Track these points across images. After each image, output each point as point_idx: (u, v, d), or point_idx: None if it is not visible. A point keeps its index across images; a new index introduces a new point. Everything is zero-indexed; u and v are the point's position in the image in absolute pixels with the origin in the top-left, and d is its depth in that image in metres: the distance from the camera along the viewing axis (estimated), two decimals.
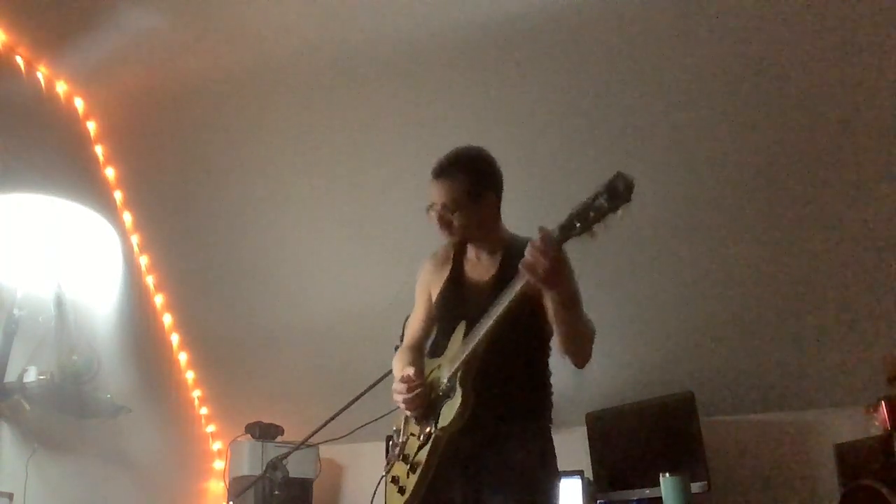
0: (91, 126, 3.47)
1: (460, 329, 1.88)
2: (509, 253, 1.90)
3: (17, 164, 2.82)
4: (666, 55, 2.73)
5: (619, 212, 1.43)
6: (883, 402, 2.71)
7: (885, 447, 2.66)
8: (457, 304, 1.98)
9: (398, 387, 1.93)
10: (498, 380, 1.84)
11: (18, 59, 3.09)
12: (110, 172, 3.57)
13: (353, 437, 2.58)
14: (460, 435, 1.81)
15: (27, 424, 2.83)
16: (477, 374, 1.81)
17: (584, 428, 3.40)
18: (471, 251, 2.04)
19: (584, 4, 2.65)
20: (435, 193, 1.96)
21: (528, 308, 1.73)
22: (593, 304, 3.47)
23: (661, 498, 2.83)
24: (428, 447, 1.84)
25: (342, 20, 2.87)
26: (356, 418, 2.52)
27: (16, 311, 2.64)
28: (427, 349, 2.11)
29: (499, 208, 2.01)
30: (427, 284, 2.11)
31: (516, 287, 1.67)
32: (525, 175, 3.07)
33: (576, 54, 2.82)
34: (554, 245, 1.53)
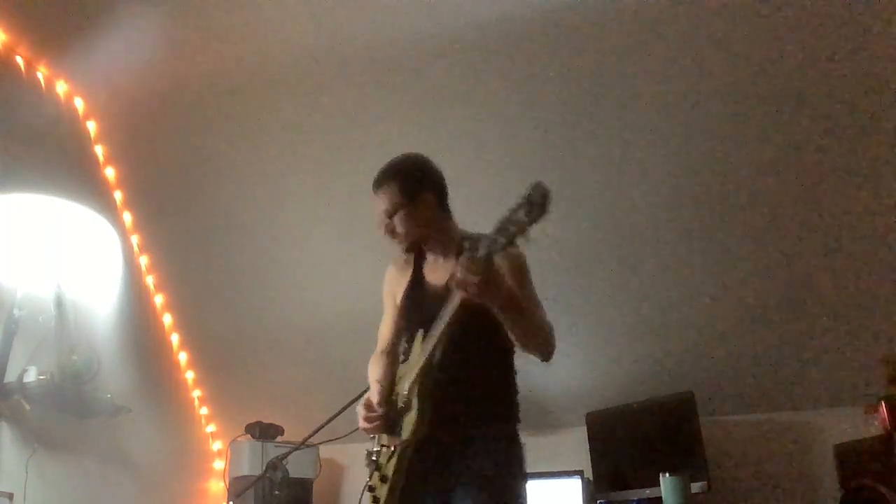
0: (91, 126, 3.47)
1: (418, 337, 1.94)
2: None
3: (17, 164, 2.82)
4: (666, 55, 2.73)
5: (538, 223, 1.46)
6: (883, 402, 2.71)
7: (885, 447, 2.65)
8: (417, 309, 2.04)
9: (360, 410, 2.00)
10: (459, 386, 1.89)
11: (18, 59, 3.08)
12: (110, 172, 3.57)
13: (353, 437, 2.57)
14: (427, 444, 1.86)
15: (27, 424, 2.83)
16: (437, 382, 1.86)
17: (584, 428, 3.40)
18: (429, 255, 2.09)
19: (585, 5, 2.65)
20: (377, 206, 2.05)
21: (480, 314, 1.76)
22: (593, 304, 3.48)
23: (661, 498, 2.83)
24: (395, 458, 1.90)
25: (342, 20, 2.87)
26: (356, 418, 2.51)
27: (16, 311, 2.64)
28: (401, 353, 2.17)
29: (443, 208, 2.05)
30: (392, 290, 2.18)
31: (455, 301, 1.73)
32: (525, 175, 3.07)
33: (576, 54, 2.82)
34: (480, 263, 1.60)
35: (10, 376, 2.69)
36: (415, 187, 2.01)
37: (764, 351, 3.18)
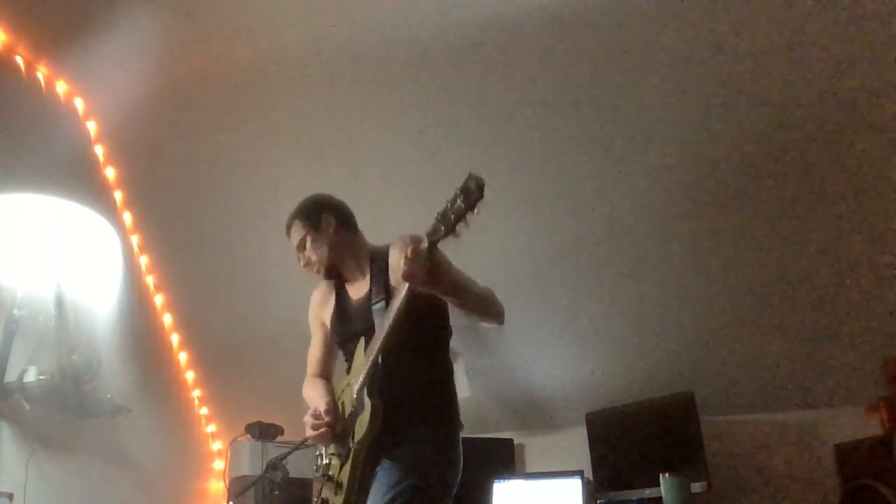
0: (91, 126, 3.47)
1: (360, 345, 2.03)
2: (375, 265, 2.14)
3: (17, 164, 2.82)
4: (664, 56, 2.73)
5: (476, 210, 1.55)
6: (883, 402, 2.72)
7: (885, 447, 2.66)
8: (347, 325, 2.15)
9: (307, 420, 2.05)
10: (398, 386, 1.95)
11: (18, 59, 3.09)
12: (110, 172, 3.57)
13: None
14: (379, 440, 1.90)
15: (27, 424, 2.83)
16: (384, 382, 1.94)
17: (584, 428, 3.40)
18: (347, 275, 2.24)
19: (585, 5, 2.65)
20: (293, 247, 2.27)
21: (416, 312, 1.86)
22: (594, 305, 3.48)
23: (661, 498, 2.83)
24: (349, 463, 1.94)
25: (342, 20, 2.87)
26: None
27: (16, 311, 2.64)
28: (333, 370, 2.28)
29: (346, 227, 2.26)
30: (318, 314, 2.31)
31: (402, 292, 1.81)
32: (525, 175, 3.07)
33: (576, 55, 2.82)
34: (424, 252, 1.68)
35: (10, 376, 2.69)
36: (314, 214, 2.24)
37: (764, 351, 3.18)
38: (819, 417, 3.18)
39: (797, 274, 3.01)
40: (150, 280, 3.78)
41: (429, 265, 1.69)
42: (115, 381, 3.08)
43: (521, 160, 3.06)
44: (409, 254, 1.70)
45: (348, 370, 2.11)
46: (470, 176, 1.56)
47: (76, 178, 3.25)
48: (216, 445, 4.10)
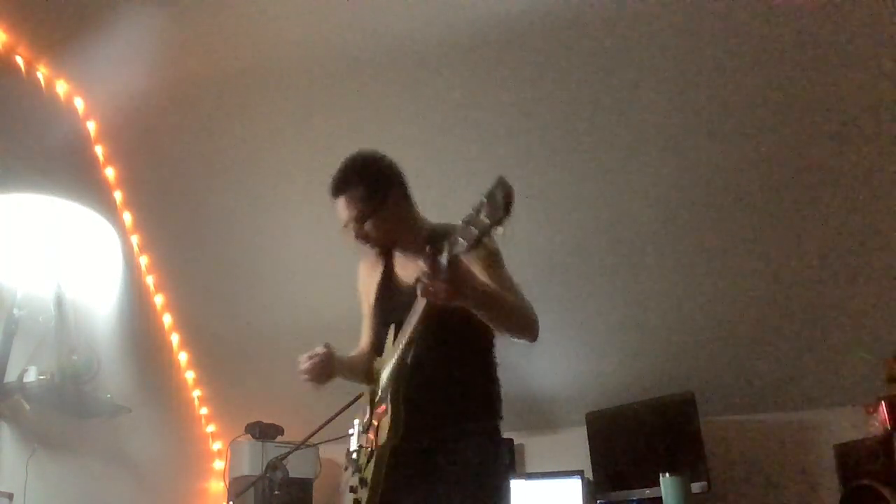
0: (91, 126, 3.47)
1: (390, 335, 1.90)
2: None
3: (17, 164, 2.82)
4: (665, 58, 2.73)
5: (502, 227, 1.33)
6: (883, 402, 2.71)
7: (885, 447, 2.66)
8: (388, 308, 1.99)
9: (301, 357, 1.97)
10: (435, 386, 1.84)
11: (18, 59, 3.08)
12: (110, 172, 3.57)
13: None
14: (405, 447, 1.80)
15: (27, 424, 2.83)
16: (411, 384, 1.81)
17: (584, 428, 3.40)
18: (400, 253, 2.03)
19: (586, 6, 2.65)
20: (341, 212, 1.96)
21: (454, 311, 1.68)
22: (594, 305, 3.48)
23: (661, 498, 2.83)
24: (374, 461, 1.83)
25: (342, 20, 2.87)
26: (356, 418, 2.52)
27: (16, 311, 2.63)
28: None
29: (409, 203, 1.99)
30: (363, 287, 2.14)
31: (420, 306, 1.67)
32: (525, 175, 3.07)
33: (575, 56, 2.82)
34: (443, 268, 1.52)
35: (10, 376, 2.68)
36: (381, 190, 1.94)
37: (764, 351, 3.18)
38: (819, 417, 3.18)
39: (797, 274, 3.01)
40: (150, 280, 3.78)
41: (449, 280, 1.53)
42: (115, 381, 3.08)
43: (522, 161, 3.06)
44: (426, 269, 1.54)
45: (381, 353, 1.99)
46: (498, 183, 1.33)
47: (76, 178, 3.25)
48: (216, 445, 4.10)
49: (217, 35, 3.01)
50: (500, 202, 1.32)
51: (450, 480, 1.82)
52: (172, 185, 3.54)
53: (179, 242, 3.70)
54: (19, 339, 2.67)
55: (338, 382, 2.92)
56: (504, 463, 1.91)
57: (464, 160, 3.08)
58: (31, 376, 2.73)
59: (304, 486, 3.62)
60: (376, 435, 1.83)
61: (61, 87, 3.32)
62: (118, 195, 3.60)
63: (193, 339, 3.93)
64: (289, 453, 2.64)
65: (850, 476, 2.82)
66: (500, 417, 1.95)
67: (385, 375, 1.86)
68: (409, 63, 2.94)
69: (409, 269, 1.97)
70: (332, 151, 3.28)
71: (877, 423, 2.76)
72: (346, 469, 2.01)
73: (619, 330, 3.30)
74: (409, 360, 1.80)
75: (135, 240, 3.69)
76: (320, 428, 2.57)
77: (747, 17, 2.57)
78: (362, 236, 1.95)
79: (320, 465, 3.67)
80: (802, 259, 2.97)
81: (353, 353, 2.13)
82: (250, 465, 3.50)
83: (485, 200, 1.35)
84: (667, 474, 2.82)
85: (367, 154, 2.02)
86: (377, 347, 2.07)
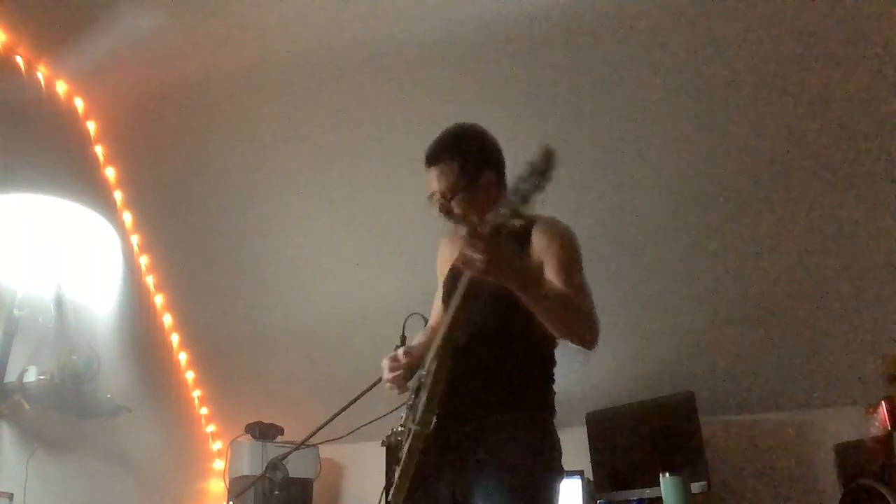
0: (91, 126, 3.47)
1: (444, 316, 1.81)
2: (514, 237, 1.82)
3: (17, 164, 2.82)
4: (667, 55, 2.73)
5: (542, 189, 1.35)
6: (883, 402, 2.71)
7: (885, 447, 2.66)
8: (452, 288, 1.84)
9: (383, 363, 1.90)
10: (485, 368, 1.75)
11: (18, 59, 3.09)
12: (110, 172, 3.57)
13: (353, 437, 2.58)
14: (446, 427, 1.70)
15: (27, 424, 2.83)
16: (460, 363, 1.70)
17: (584, 428, 3.40)
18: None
19: (586, 5, 2.65)
20: (431, 181, 1.87)
21: (504, 297, 1.60)
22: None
23: (661, 498, 2.83)
24: (408, 443, 1.74)
25: (342, 20, 2.87)
26: (356, 418, 2.52)
27: (16, 311, 2.63)
28: None
29: (501, 186, 1.88)
30: (441, 266, 2.06)
31: (464, 282, 1.60)
32: None
33: (577, 55, 2.82)
34: (484, 238, 1.46)
35: (10, 376, 2.68)
36: (477, 168, 1.85)
37: (764, 351, 3.18)
38: (819, 417, 3.18)
39: (797, 274, 3.01)
40: (150, 280, 3.78)
41: (486, 250, 1.47)
42: (115, 381, 3.08)
43: (521, 160, 3.06)
44: (467, 238, 1.49)
45: None
46: (540, 150, 1.36)
47: (76, 178, 3.25)
48: (216, 445, 4.10)
49: (217, 35, 3.00)
50: (539, 167, 1.33)
51: (490, 470, 1.72)
52: (172, 185, 3.55)
53: (179, 242, 3.70)
54: (19, 339, 2.67)
55: (337, 383, 2.93)
56: (554, 457, 1.79)
57: None
58: (31, 376, 2.73)
59: (304, 486, 3.63)
60: (414, 417, 1.75)
61: (61, 87, 3.32)
62: (118, 195, 3.60)
63: (193, 339, 3.93)
64: (289, 453, 2.64)
65: (850, 476, 2.82)
66: (554, 413, 1.86)
67: (426, 362, 1.80)
68: (409, 63, 2.94)
69: None
70: (333, 151, 3.31)
71: (877, 423, 2.76)
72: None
73: (620, 330, 3.30)
74: (451, 342, 1.70)
75: (135, 240, 3.69)
76: (320, 428, 2.57)
77: (751, 12, 2.56)
78: (445, 210, 1.86)
79: (320, 465, 3.67)
80: (803, 259, 2.97)
81: (424, 334, 2.07)
82: (250, 465, 3.51)
83: (527, 168, 1.35)
84: (667, 474, 2.81)
85: (470, 128, 1.93)
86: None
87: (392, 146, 3.21)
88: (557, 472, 1.78)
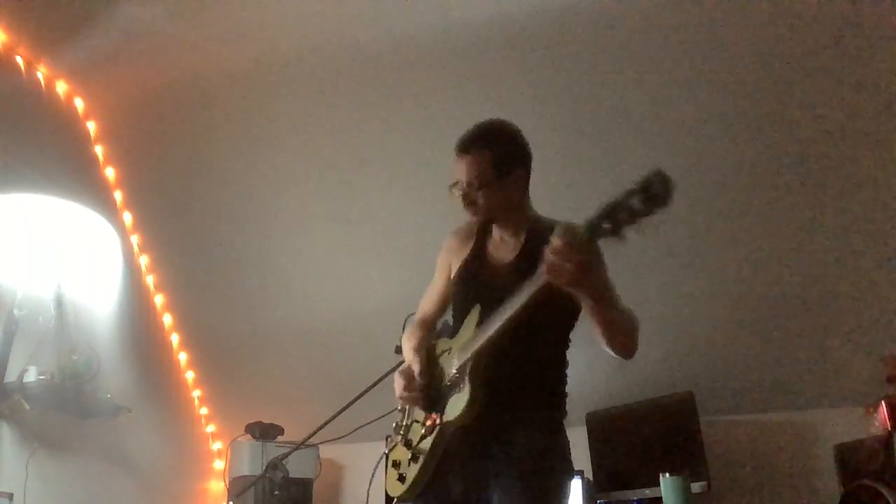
0: (91, 126, 3.48)
1: (474, 314, 1.79)
2: (533, 236, 1.83)
3: (17, 164, 2.82)
4: (667, 56, 2.73)
5: (654, 215, 1.30)
6: (883, 402, 2.71)
7: (885, 447, 2.66)
8: (474, 285, 1.88)
9: (399, 380, 1.86)
10: (508, 368, 1.74)
11: (18, 59, 3.09)
12: (110, 172, 3.58)
13: (353, 437, 2.58)
14: (471, 427, 1.71)
15: (27, 424, 2.84)
16: (497, 364, 1.72)
17: (584, 428, 3.40)
18: (495, 230, 1.93)
19: (586, 5, 2.65)
20: (459, 170, 1.85)
21: (549, 299, 1.60)
22: None
23: (661, 498, 2.83)
24: (432, 438, 1.75)
25: (342, 20, 2.87)
26: (356, 418, 2.52)
27: (16, 311, 2.64)
28: (439, 327, 2.05)
29: (527, 185, 1.90)
30: (448, 261, 2.02)
31: (538, 284, 1.56)
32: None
33: (576, 55, 2.82)
34: (579, 247, 1.43)
35: (10, 376, 2.69)
36: (508, 163, 1.85)
37: (764, 351, 3.18)
38: (819, 417, 3.18)
39: (797, 274, 3.01)
40: (150, 280, 3.78)
41: (581, 261, 1.44)
42: (115, 381, 3.09)
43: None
44: (559, 243, 1.44)
45: (454, 333, 1.88)
46: (656, 173, 1.30)
47: (76, 178, 3.25)
48: (216, 445, 4.10)
49: (217, 35, 3.01)
50: (658, 191, 1.29)
51: (508, 468, 1.73)
52: (172, 185, 3.55)
53: (179, 242, 3.71)
54: (19, 339, 2.67)
55: (337, 382, 2.93)
56: (566, 457, 1.83)
57: None
58: (31, 376, 2.73)
59: (304, 486, 3.63)
60: (442, 412, 1.74)
61: (61, 87, 3.32)
62: (118, 195, 3.60)
63: (193, 339, 3.93)
64: (289, 453, 2.64)
65: (850, 476, 2.82)
66: (566, 415, 1.90)
67: (462, 352, 1.75)
68: (409, 63, 2.94)
69: (502, 249, 1.90)
70: (333, 150, 3.31)
71: (877, 423, 2.76)
72: (391, 444, 1.93)
73: None
74: (499, 343, 1.69)
75: (135, 240, 3.70)
76: (320, 428, 2.57)
77: (750, 12, 2.57)
78: (470, 201, 1.84)
79: (320, 465, 3.67)
80: (802, 259, 2.97)
81: (418, 329, 2.03)
82: (250, 465, 3.51)
83: (637, 188, 1.31)
84: (667, 474, 2.81)
85: (506, 124, 1.93)
86: (436, 319, 2.03)
87: (392, 146, 3.21)
88: (571, 472, 1.82)
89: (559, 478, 1.78)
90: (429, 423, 1.78)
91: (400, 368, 1.87)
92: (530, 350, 1.78)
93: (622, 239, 1.37)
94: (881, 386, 2.80)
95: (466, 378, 1.71)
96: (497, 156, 1.84)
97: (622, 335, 1.70)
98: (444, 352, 1.87)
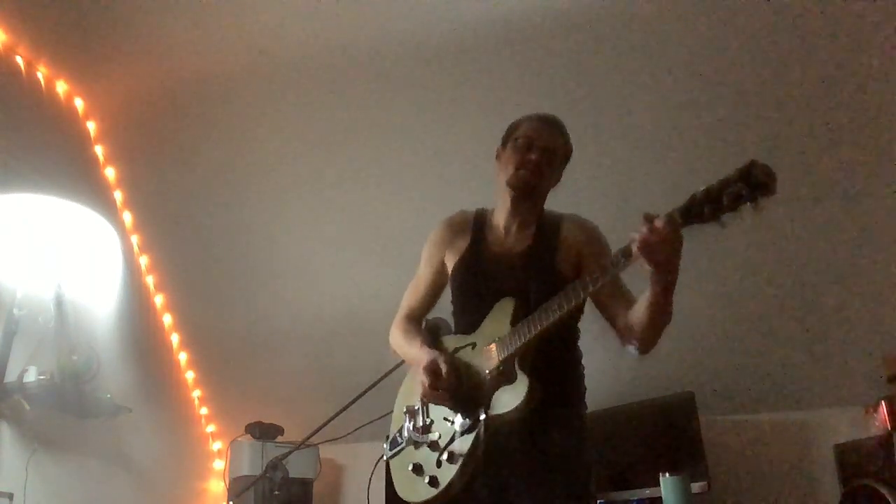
0: (91, 126, 3.47)
1: (506, 306, 1.76)
2: (543, 227, 1.86)
3: (17, 164, 2.82)
4: (667, 54, 2.73)
5: (757, 204, 1.29)
6: (883, 402, 2.72)
7: (885, 447, 2.66)
8: (482, 277, 1.84)
9: (424, 375, 1.75)
10: (538, 364, 1.70)
11: (18, 59, 3.09)
12: (110, 172, 3.58)
13: (353, 437, 2.59)
14: (526, 416, 1.66)
15: (27, 424, 2.83)
16: (545, 357, 1.71)
17: None
18: (498, 219, 1.91)
19: (586, 4, 2.65)
20: (539, 135, 1.90)
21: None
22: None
23: (660, 498, 2.83)
24: (473, 435, 1.67)
25: (342, 21, 2.87)
26: (356, 418, 2.52)
27: (16, 311, 2.63)
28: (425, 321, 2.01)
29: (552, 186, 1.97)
30: (439, 253, 1.96)
31: (609, 273, 1.59)
32: None
33: (577, 55, 2.82)
34: (678, 228, 1.45)
35: (10, 376, 2.68)
36: (567, 159, 1.97)
37: (764, 351, 3.18)
38: (819, 417, 3.18)
39: (797, 274, 3.01)
40: (150, 280, 3.78)
41: (677, 242, 1.45)
42: (115, 381, 3.08)
43: None
44: (660, 223, 1.45)
45: (467, 328, 1.83)
46: (754, 163, 1.30)
47: (76, 178, 3.25)
48: (216, 445, 4.10)
49: (217, 35, 3.01)
50: (761, 179, 1.28)
51: (535, 464, 1.72)
52: (172, 184, 3.55)
53: (179, 242, 3.71)
54: (19, 339, 2.67)
55: (336, 382, 2.93)
56: (590, 451, 1.83)
57: (465, 159, 3.07)
58: (31, 376, 2.73)
59: (304, 486, 3.63)
60: (488, 406, 1.67)
61: (61, 87, 3.32)
62: (118, 195, 3.60)
63: (193, 339, 3.93)
64: (289, 453, 2.63)
65: (850, 476, 2.82)
66: (587, 407, 1.91)
67: (504, 346, 1.70)
68: (409, 63, 2.94)
69: (506, 241, 1.88)
70: (333, 150, 3.31)
71: (877, 423, 2.76)
72: (397, 447, 1.88)
73: None
74: (544, 335, 1.67)
75: (135, 240, 3.70)
76: (320, 428, 2.56)
77: (752, 9, 2.57)
78: (534, 168, 1.86)
79: (320, 465, 3.67)
80: (802, 259, 2.97)
81: (409, 324, 2.00)
82: (250, 465, 3.51)
83: (737, 174, 1.32)
84: (667, 474, 2.81)
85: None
86: (425, 313, 2.01)
87: (392, 146, 3.21)
88: (592, 466, 1.82)
89: (585, 471, 1.79)
90: (466, 420, 1.70)
91: (423, 365, 1.77)
92: (553, 347, 1.77)
93: (723, 226, 1.39)
94: (881, 386, 2.81)
95: (517, 370, 1.66)
96: (568, 147, 1.96)
97: (660, 328, 1.72)
98: (462, 347, 1.81)
